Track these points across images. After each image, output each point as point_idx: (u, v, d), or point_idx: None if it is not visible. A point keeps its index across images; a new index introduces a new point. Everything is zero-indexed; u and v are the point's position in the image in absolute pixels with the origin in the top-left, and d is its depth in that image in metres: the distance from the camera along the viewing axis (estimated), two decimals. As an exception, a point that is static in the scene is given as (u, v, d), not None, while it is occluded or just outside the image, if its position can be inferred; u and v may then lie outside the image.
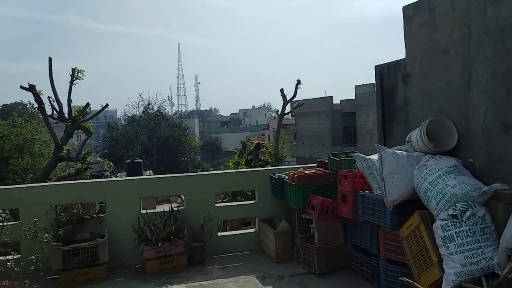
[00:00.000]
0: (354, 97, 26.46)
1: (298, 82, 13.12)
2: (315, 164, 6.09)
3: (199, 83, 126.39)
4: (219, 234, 5.90)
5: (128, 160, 19.50)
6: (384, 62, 5.37)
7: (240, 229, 8.71)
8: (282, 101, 13.19)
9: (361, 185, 4.73)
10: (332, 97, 28.14)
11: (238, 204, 6.40)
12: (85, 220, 5.37)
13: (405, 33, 4.86)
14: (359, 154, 4.61)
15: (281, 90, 13.12)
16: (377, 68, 5.42)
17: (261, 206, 5.94)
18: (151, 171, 21.48)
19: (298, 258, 5.25)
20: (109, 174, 22.87)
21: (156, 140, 37.29)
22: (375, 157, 4.50)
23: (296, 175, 5.27)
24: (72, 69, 11.04)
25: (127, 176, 19.09)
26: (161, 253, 5.13)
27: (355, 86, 29.15)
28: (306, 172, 5.47)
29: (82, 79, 11.09)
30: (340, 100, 27.84)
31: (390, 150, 4.21)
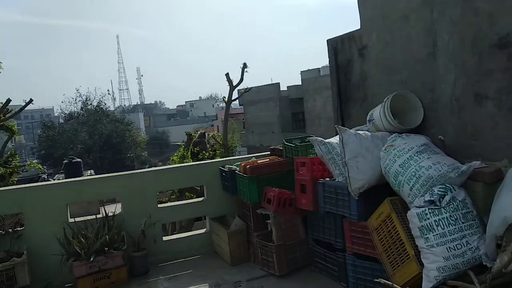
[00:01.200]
0: (300, 83, 26.33)
1: (244, 65, 12.40)
2: (268, 153, 5.53)
3: (142, 75, 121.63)
4: (164, 238, 5.18)
5: (66, 160, 17.88)
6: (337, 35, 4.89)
7: (191, 227, 8.03)
8: (229, 87, 12.44)
9: (320, 173, 4.24)
10: (279, 83, 27.85)
11: (184, 203, 5.69)
12: (-3, 237, 4.46)
13: None
14: (317, 138, 4.09)
15: (227, 75, 12.34)
16: (330, 42, 4.92)
17: (211, 203, 5.29)
18: (92, 171, 19.97)
19: (256, 258, 4.68)
20: (46, 177, 21.07)
21: (98, 137, 35.03)
22: (335, 140, 4.01)
23: (248, 166, 4.67)
24: (-14, 60, 9.65)
25: (66, 177, 17.56)
26: (94, 268, 4.34)
27: (301, 71, 29.03)
28: (259, 161, 4.88)
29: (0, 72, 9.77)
30: (287, 86, 27.63)
31: (351, 131, 3.72)
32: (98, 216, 4.79)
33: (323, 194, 4.04)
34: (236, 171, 4.93)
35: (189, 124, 59.26)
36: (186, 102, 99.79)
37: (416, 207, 3.02)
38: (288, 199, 4.41)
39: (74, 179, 5.33)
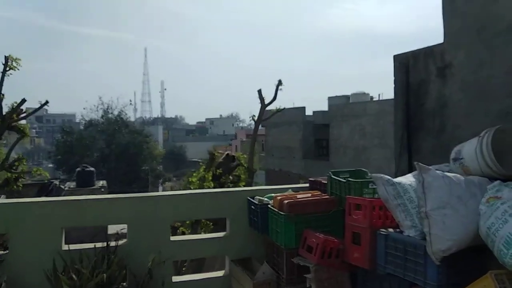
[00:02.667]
0: (327, 109, 25.45)
1: (279, 83, 11.54)
2: (307, 185, 4.63)
3: (165, 89, 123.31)
4: (174, 279, 4.25)
5: (79, 169, 17.22)
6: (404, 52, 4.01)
7: (203, 261, 7.10)
8: (260, 105, 11.56)
9: (381, 220, 3.29)
10: (304, 107, 27.06)
11: (202, 238, 4.77)
12: (-26, 261, 3.64)
13: (445, 7, 3.51)
14: (382, 175, 3.17)
15: (259, 91, 11.48)
16: (398, 58, 4.04)
17: (234, 241, 4.36)
18: (104, 181, 19.25)
19: (286, 319, 3.72)
20: (57, 184, 20.46)
21: (115, 146, 34.70)
22: (407, 180, 3.09)
23: (286, 201, 3.76)
24: (5, 56, 9.15)
25: (77, 186, 16.87)
26: (85, 315, 3.46)
27: (328, 97, 28.15)
28: (298, 196, 3.97)
29: (18, 69, 9.25)
30: (313, 111, 26.79)
31: (438, 171, 2.79)
32: (98, 245, 3.92)
33: (384, 250, 3.09)
34: (269, 206, 4.03)
35: (207, 142, 58.81)
36: (206, 119, 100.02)
37: (549, 295, 2.05)
38: (335, 250, 3.47)
39: (74, 197, 4.51)
